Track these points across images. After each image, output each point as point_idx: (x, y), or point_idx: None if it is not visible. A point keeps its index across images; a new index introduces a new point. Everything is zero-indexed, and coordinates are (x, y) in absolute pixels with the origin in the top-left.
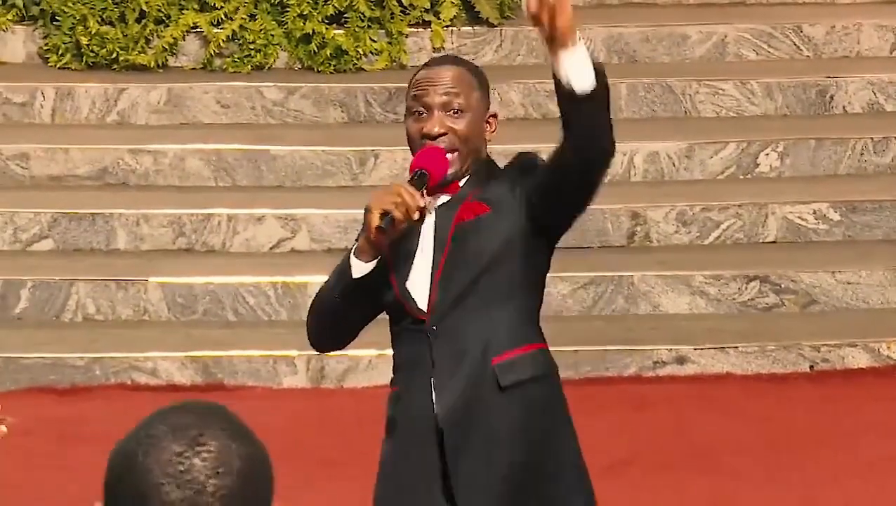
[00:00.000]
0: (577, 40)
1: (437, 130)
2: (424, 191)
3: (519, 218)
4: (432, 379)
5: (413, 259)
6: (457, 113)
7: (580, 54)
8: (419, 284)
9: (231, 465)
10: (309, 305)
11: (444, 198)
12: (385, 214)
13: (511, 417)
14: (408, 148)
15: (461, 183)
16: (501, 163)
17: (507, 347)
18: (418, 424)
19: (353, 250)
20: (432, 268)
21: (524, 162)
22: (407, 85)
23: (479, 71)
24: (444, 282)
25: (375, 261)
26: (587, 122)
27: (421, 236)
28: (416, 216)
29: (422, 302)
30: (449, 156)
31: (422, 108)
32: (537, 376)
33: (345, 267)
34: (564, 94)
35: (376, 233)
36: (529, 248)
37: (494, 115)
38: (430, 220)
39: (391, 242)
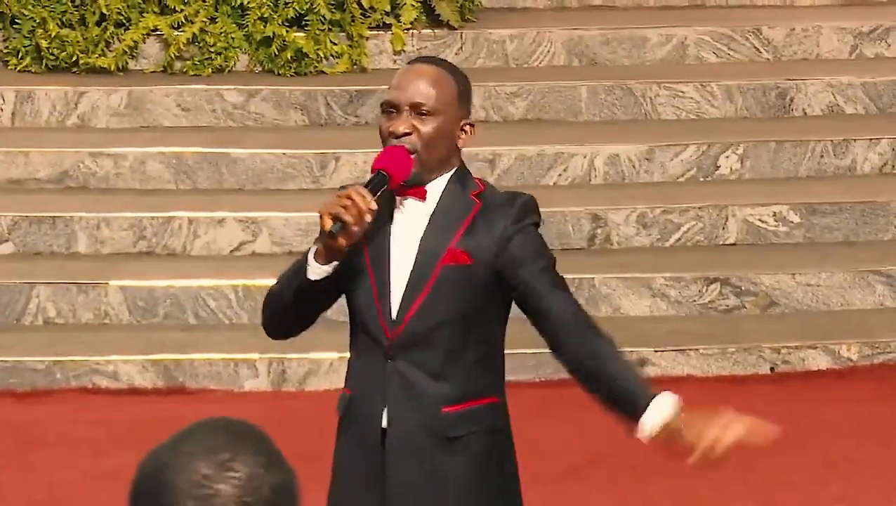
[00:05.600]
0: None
1: (401, 129)
2: (383, 191)
3: (492, 278)
4: (385, 400)
5: (390, 272)
6: (425, 115)
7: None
8: (393, 303)
9: (258, 493)
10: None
11: (411, 201)
12: (336, 219)
13: (454, 463)
14: (368, 150)
15: (429, 190)
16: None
17: (459, 399)
18: (367, 438)
19: (312, 252)
20: (404, 298)
21: (521, 224)
22: (365, 86)
23: (462, 77)
24: (415, 320)
25: (333, 265)
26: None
27: (397, 247)
28: (368, 219)
29: (388, 324)
30: (411, 157)
31: (392, 107)
32: (485, 430)
33: (301, 266)
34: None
35: (328, 238)
36: (497, 304)
37: (471, 124)
38: (409, 233)
39: (351, 246)
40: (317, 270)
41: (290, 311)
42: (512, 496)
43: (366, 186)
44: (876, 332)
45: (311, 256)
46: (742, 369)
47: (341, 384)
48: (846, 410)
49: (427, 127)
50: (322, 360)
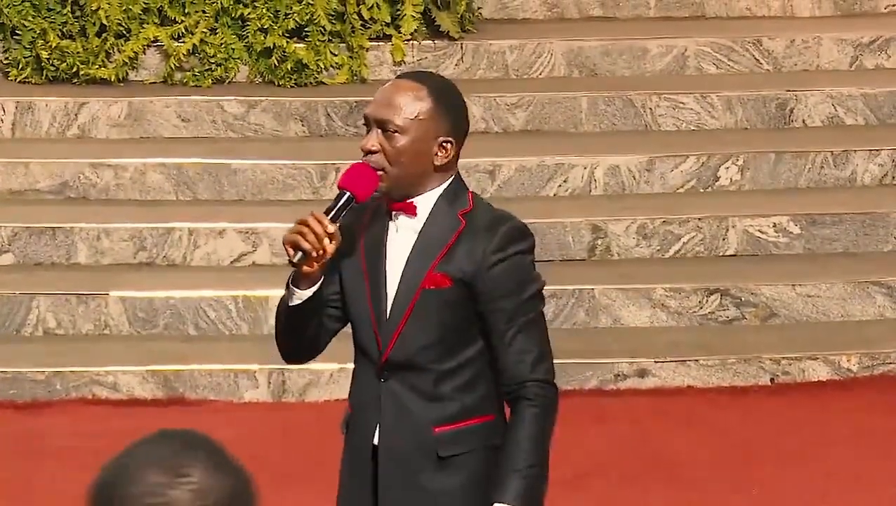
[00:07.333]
0: None
1: (369, 146)
2: (348, 210)
3: (472, 299)
4: (378, 417)
5: (386, 292)
6: (392, 132)
7: None
8: (386, 325)
9: (211, 497)
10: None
11: (403, 217)
12: (297, 248)
13: (447, 482)
14: None
15: (418, 205)
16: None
17: (453, 419)
18: (361, 453)
19: (290, 278)
20: (390, 322)
21: (504, 253)
22: (365, 97)
23: (444, 92)
24: (400, 344)
25: (314, 287)
26: None
27: (391, 267)
28: (329, 242)
29: (382, 345)
30: (378, 173)
31: (365, 123)
32: (478, 449)
33: (287, 293)
34: None
35: (294, 267)
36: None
37: (450, 141)
38: (401, 252)
39: (350, 266)
40: (298, 295)
41: (289, 335)
42: None
43: (328, 208)
44: (876, 343)
45: (290, 284)
46: (742, 380)
47: (341, 395)
48: (846, 420)
49: (394, 145)
50: (322, 371)
